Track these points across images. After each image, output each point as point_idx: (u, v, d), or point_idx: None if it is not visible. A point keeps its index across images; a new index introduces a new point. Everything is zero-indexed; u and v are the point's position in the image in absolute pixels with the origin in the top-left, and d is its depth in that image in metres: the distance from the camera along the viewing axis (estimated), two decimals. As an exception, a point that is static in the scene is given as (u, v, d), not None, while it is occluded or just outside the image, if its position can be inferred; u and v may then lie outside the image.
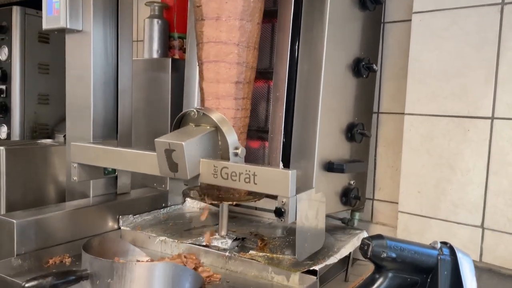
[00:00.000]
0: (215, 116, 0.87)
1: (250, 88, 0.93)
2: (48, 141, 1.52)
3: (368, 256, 0.58)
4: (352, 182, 1.01)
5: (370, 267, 1.12)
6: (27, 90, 1.56)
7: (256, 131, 1.04)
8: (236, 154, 0.86)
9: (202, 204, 1.26)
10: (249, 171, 0.78)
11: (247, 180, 0.78)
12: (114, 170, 1.12)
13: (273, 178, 0.76)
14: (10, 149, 1.31)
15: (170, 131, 0.93)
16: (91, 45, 1.07)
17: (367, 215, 1.16)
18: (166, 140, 0.83)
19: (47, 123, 1.61)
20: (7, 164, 1.29)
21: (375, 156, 1.15)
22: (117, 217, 1.08)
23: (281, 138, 0.94)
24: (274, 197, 0.78)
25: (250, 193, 0.96)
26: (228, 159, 0.86)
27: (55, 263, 0.93)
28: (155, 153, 0.85)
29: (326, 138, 0.93)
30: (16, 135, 1.54)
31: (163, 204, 1.22)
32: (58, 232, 0.97)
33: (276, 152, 0.95)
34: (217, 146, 0.87)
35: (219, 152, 0.88)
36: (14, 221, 0.89)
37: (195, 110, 0.89)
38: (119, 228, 1.08)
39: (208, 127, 0.87)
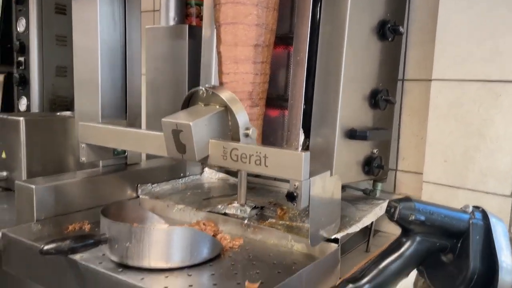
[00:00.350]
0: (224, 95, 0.83)
1: (269, 52, 0.90)
2: (67, 113, 1.52)
3: (395, 219, 0.55)
4: (375, 151, 0.98)
5: (391, 238, 1.10)
6: (45, 62, 1.56)
7: (275, 99, 1.01)
8: (247, 135, 0.82)
9: (221, 175, 1.25)
10: (260, 153, 0.74)
11: (257, 162, 0.74)
12: (123, 151, 1.10)
13: (285, 161, 0.72)
14: (29, 120, 1.31)
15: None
16: (97, 10, 1.03)
17: (390, 186, 1.12)
18: (173, 121, 0.80)
19: (66, 96, 1.61)
20: (27, 135, 1.29)
21: (399, 125, 1.10)
22: (136, 185, 1.08)
23: (302, 104, 0.90)
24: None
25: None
26: (238, 140, 0.82)
27: (74, 229, 0.93)
28: (163, 134, 0.82)
29: (348, 104, 0.90)
30: (35, 107, 1.55)
31: (181, 174, 1.21)
32: (77, 199, 0.97)
33: (297, 119, 0.91)
34: (227, 126, 0.83)
35: (229, 132, 0.84)
36: (33, 186, 0.89)
37: (203, 89, 0.85)
38: (138, 196, 1.08)
39: (218, 107, 0.83)
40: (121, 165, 1.11)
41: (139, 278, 0.70)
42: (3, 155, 1.35)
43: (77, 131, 1.05)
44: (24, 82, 1.56)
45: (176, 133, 0.80)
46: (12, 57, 1.57)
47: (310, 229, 0.77)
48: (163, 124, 0.82)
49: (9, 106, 1.60)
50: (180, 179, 1.20)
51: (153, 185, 1.11)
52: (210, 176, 1.26)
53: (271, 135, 1.01)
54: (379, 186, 1.07)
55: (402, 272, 0.56)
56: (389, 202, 0.56)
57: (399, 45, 1.05)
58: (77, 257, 0.75)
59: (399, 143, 1.11)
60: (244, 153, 0.76)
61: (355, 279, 0.55)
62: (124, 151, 1.10)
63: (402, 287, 0.60)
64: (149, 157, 1.29)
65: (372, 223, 0.96)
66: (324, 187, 0.79)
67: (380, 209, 0.97)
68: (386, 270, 0.55)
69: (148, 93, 1.27)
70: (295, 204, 0.72)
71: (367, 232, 1.01)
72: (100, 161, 1.07)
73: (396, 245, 0.56)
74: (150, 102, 1.28)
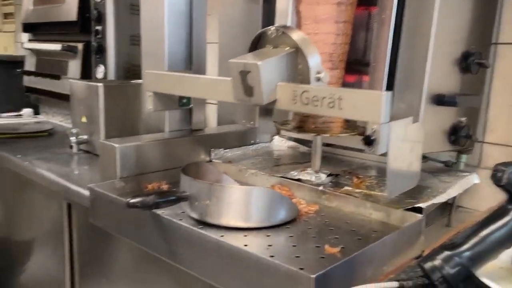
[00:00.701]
0: (296, 36, 0.77)
1: (352, 10, 0.85)
2: (140, 81, 1.57)
3: (502, 183, 0.50)
4: (463, 119, 0.91)
5: (475, 213, 1.03)
6: (120, 31, 1.61)
7: (352, 63, 0.96)
8: (318, 79, 0.76)
9: (290, 143, 1.23)
10: (334, 94, 0.67)
11: (331, 105, 0.68)
12: (188, 102, 1.09)
13: (362, 102, 0.65)
14: (108, 86, 1.37)
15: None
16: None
17: (474, 159, 1.04)
18: (241, 61, 0.76)
19: (139, 64, 1.65)
20: (105, 100, 1.35)
21: (489, 93, 1.01)
22: (209, 150, 1.09)
23: (385, 67, 0.85)
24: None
25: (347, 126, 0.91)
26: (309, 84, 0.76)
27: (153, 189, 0.96)
28: (230, 79, 0.80)
29: (437, 67, 0.83)
30: (111, 75, 1.61)
31: (252, 141, 1.21)
32: (155, 160, 1.00)
33: (379, 83, 0.86)
34: (296, 69, 0.78)
35: (298, 76, 0.78)
36: (117, 145, 0.93)
37: (273, 29, 0.80)
38: (211, 160, 1.09)
39: (288, 48, 0.78)
40: (192, 131, 1.13)
41: (219, 235, 0.71)
42: (84, 119, 1.43)
43: (144, 79, 1.06)
44: (101, 50, 1.62)
45: (244, 74, 0.76)
46: (90, 27, 1.64)
47: (387, 177, 0.71)
48: (230, 66, 0.78)
49: (88, 74, 1.68)
50: (250, 146, 1.20)
51: (225, 150, 1.12)
52: (280, 144, 1.24)
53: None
54: (464, 158, 0.99)
55: (506, 242, 0.51)
56: (495, 166, 0.52)
57: (494, 3, 0.95)
58: (159, 212, 0.77)
59: (488, 113, 1.02)
60: (316, 96, 0.70)
61: (452, 246, 0.51)
62: (189, 102, 1.09)
63: (500, 260, 0.55)
64: (220, 123, 1.30)
65: (455, 196, 0.90)
66: (405, 135, 0.73)
67: (466, 182, 0.90)
68: (488, 238, 0.50)
69: (221, 59, 1.27)
70: (372, 148, 0.66)
71: (447, 207, 0.95)
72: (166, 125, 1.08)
73: (501, 212, 0.52)
74: (223, 68, 1.28)
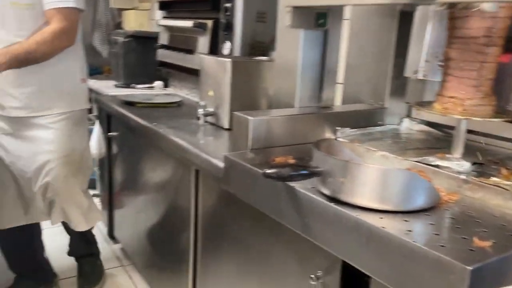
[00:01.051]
0: None
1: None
2: (264, 58, 1.60)
3: None
4: None
5: None
6: (248, 8, 1.65)
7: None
8: None
9: (421, 126, 1.15)
10: None
11: None
12: (324, 22, 1.05)
13: None
14: (235, 62, 1.42)
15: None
16: None
17: None
18: None
19: (263, 41, 1.69)
20: (232, 75, 1.41)
21: None
22: (335, 128, 1.07)
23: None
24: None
25: (498, 111, 0.81)
26: None
27: (279, 162, 0.98)
28: None
29: None
30: (236, 51, 1.67)
31: (379, 122, 1.16)
32: (283, 134, 1.01)
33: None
34: None
35: None
36: (250, 118, 0.96)
37: None
38: (336, 139, 1.07)
39: None
40: (320, 108, 1.12)
41: (354, 214, 0.69)
42: (211, 93, 1.51)
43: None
44: (229, 27, 1.68)
45: None
46: (220, 4, 1.71)
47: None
48: None
49: (215, 50, 1.76)
50: (377, 127, 1.15)
51: (351, 130, 1.09)
52: (410, 127, 1.17)
53: (496, 84, 0.87)
54: None
55: None
56: None
57: None
58: (293, 185, 0.78)
59: None
60: None
61: None
62: (325, 23, 1.06)
63: None
64: (345, 102, 1.27)
65: None
66: None
67: None
68: None
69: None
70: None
71: None
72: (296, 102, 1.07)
73: None
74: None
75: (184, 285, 1.39)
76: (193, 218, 1.32)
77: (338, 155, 0.88)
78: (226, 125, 1.43)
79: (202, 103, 1.52)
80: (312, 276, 0.84)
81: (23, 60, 1.32)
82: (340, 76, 1.19)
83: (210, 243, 1.26)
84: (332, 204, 0.71)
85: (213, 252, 1.25)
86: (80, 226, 1.62)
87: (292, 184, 0.78)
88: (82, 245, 1.81)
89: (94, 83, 2.20)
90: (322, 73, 1.11)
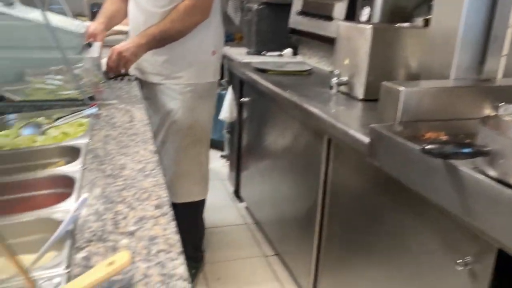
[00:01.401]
0: None
1: None
2: (406, 24, 1.49)
3: None
4: None
5: None
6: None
7: None
8: None
9: None
10: None
11: None
12: None
13: None
14: (377, 29, 1.34)
15: None
16: None
17: None
18: None
19: (406, 6, 1.56)
20: (373, 43, 1.33)
21: None
22: (497, 104, 0.96)
23: None
24: None
25: None
26: None
27: (430, 138, 0.91)
28: None
29: None
30: (376, 18, 1.57)
31: (552, 100, 1.00)
32: (435, 108, 0.94)
33: None
34: None
35: None
36: (402, 88, 0.90)
37: None
38: (496, 115, 0.96)
39: None
40: (478, 81, 1.00)
41: (531, 202, 0.61)
42: (346, 61, 1.46)
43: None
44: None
45: None
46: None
47: None
48: None
49: (352, 16, 1.69)
50: (549, 106, 0.99)
51: (516, 107, 0.96)
52: None
53: None
54: None
55: None
56: None
57: None
58: (455, 163, 0.72)
59: None
60: None
61: None
62: None
63: None
64: (506, 74, 1.12)
65: None
66: None
67: None
68: None
69: None
70: None
71: None
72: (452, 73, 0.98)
73: None
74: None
75: (308, 252, 1.42)
76: (321, 186, 1.32)
77: (508, 135, 0.78)
78: (361, 96, 1.38)
79: (336, 71, 1.48)
80: (460, 261, 0.78)
81: (160, 40, 1.38)
82: (507, 45, 1.04)
83: (338, 212, 1.25)
84: (505, 188, 0.64)
85: (340, 221, 1.24)
86: (183, 197, 1.59)
87: (453, 162, 0.72)
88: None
89: (228, 50, 2.29)
90: (487, 42, 0.98)
